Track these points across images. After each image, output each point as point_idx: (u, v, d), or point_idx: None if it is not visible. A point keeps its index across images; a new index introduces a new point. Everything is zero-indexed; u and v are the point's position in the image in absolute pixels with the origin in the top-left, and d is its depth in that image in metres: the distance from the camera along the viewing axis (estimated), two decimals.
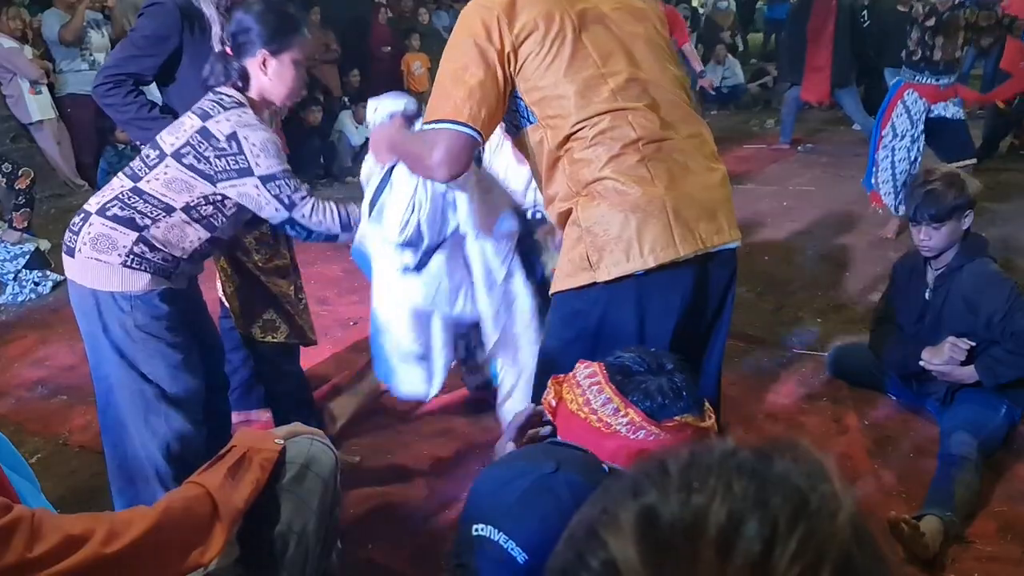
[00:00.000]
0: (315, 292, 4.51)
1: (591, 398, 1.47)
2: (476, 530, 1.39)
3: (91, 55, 6.82)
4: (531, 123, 1.82)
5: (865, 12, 8.57)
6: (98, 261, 2.06)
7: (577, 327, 1.81)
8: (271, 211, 2.13)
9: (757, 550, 0.48)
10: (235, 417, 2.82)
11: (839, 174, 6.60)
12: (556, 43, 1.76)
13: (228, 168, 2.07)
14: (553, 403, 1.55)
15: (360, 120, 7.59)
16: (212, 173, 2.07)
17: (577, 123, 1.74)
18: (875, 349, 3.07)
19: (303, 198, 2.14)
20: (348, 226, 2.21)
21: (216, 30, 2.47)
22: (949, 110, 4.89)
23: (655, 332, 1.77)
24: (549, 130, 1.78)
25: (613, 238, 1.72)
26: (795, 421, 3.02)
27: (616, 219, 1.71)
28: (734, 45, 11.31)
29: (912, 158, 4.90)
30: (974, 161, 5.00)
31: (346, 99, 8.03)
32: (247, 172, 2.07)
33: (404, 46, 8.78)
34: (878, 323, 3.12)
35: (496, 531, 1.35)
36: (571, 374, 1.55)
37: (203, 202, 2.11)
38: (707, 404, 1.53)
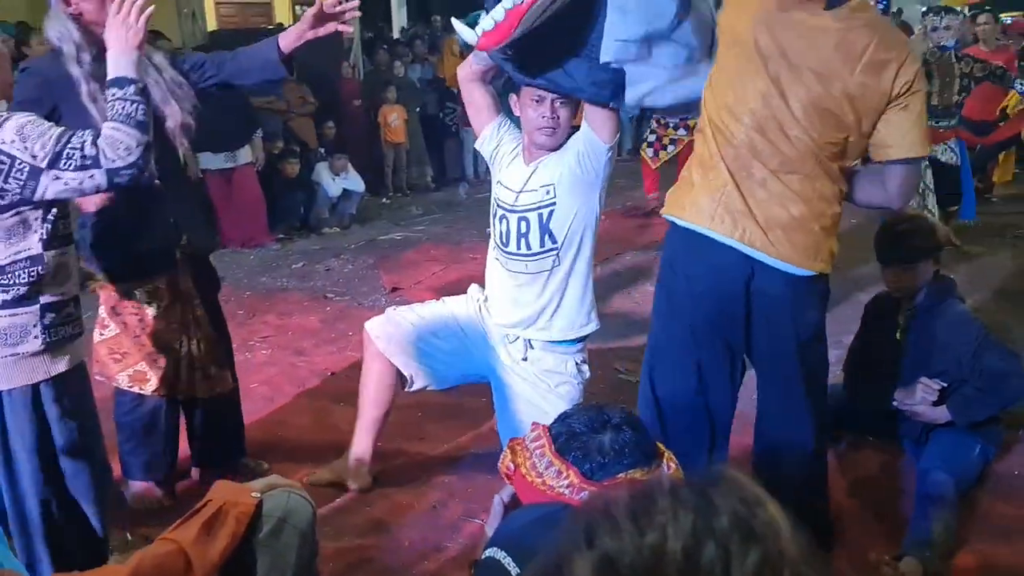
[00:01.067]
0: (292, 343, 4.51)
1: (536, 462, 1.47)
2: (485, 554, 1.41)
3: None
4: None
5: None
6: None
7: None
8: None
9: (718, 573, 0.50)
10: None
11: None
12: None
13: None
14: (511, 468, 1.54)
15: (336, 171, 7.65)
16: None
17: None
18: (850, 390, 3.10)
19: None
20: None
21: (84, 88, 2.45)
22: (946, 154, 5.27)
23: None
24: None
25: None
26: None
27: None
28: None
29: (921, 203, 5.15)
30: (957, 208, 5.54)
31: (322, 150, 8.09)
32: None
33: (380, 98, 8.88)
34: (852, 364, 3.16)
35: (498, 550, 1.37)
36: (522, 438, 1.55)
37: None
38: (666, 452, 1.49)
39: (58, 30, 2.44)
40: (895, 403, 2.85)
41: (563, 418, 1.51)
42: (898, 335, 2.94)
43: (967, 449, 2.76)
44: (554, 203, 2.61)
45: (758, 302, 2.11)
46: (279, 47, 2.68)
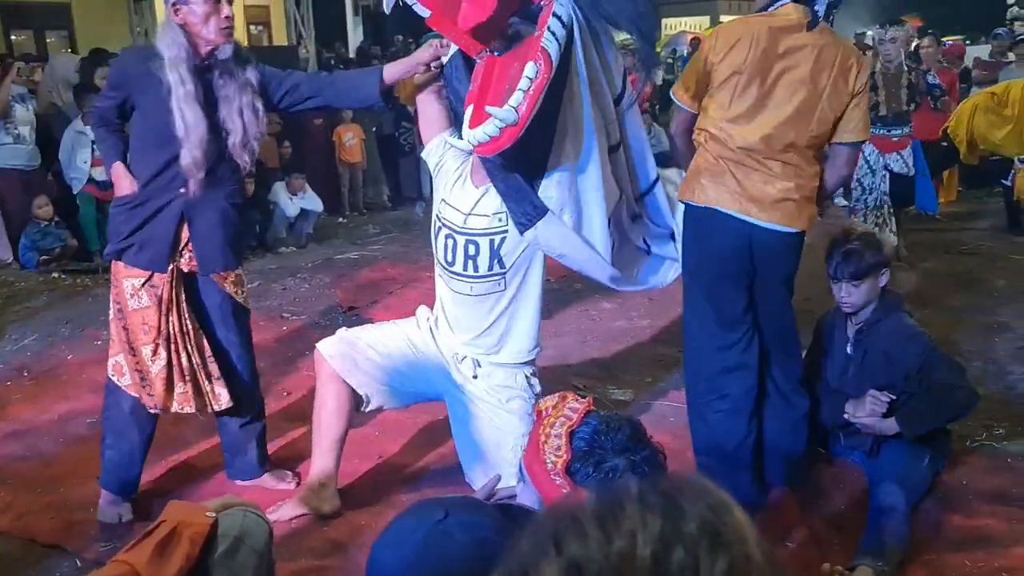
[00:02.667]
0: None
1: (551, 431, 1.54)
2: None
3: (16, 128, 6.70)
4: None
5: None
6: None
7: None
8: None
9: None
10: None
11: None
12: None
13: None
14: (546, 411, 1.61)
15: (294, 191, 7.59)
16: None
17: None
18: None
19: None
20: None
21: (182, 90, 2.60)
22: (898, 163, 5.49)
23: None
24: None
25: None
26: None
27: None
28: (654, 114, 11.67)
29: (881, 217, 5.43)
30: (912, 207, 5.88)
31: (279, 169, 8.04)
32: None
33: (336, 118, 8.86)
34: (805, 378, 3.21)
35: None
36: (561, 400, 1.61)
37: None
38: None
39: (170, 36, 2.63)
40: (846, 416, 2.90)
41: (599, 421, 1.54)
42: (849, 349, 3.00)
43: (917, 461, 2.82)
44: (506, 231, 2.63)
45: (758, 252, 2.72)
46: (382, 78, 2.81)
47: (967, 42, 11.69)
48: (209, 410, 2.91)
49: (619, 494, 0.57)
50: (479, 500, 1.49)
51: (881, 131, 5.46)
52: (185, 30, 2.64)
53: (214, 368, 2.85)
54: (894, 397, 2.82)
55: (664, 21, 21.85)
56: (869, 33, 9.92)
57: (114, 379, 2.82)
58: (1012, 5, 14.37)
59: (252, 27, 14.75)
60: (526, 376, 2.80)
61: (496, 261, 2.64)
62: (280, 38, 12.96)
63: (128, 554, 1.50)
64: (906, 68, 5.59)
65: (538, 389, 2.83)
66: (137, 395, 2.80)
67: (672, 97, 2.83)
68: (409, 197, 9.63)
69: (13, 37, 12.04)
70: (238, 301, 2.92)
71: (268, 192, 7.54)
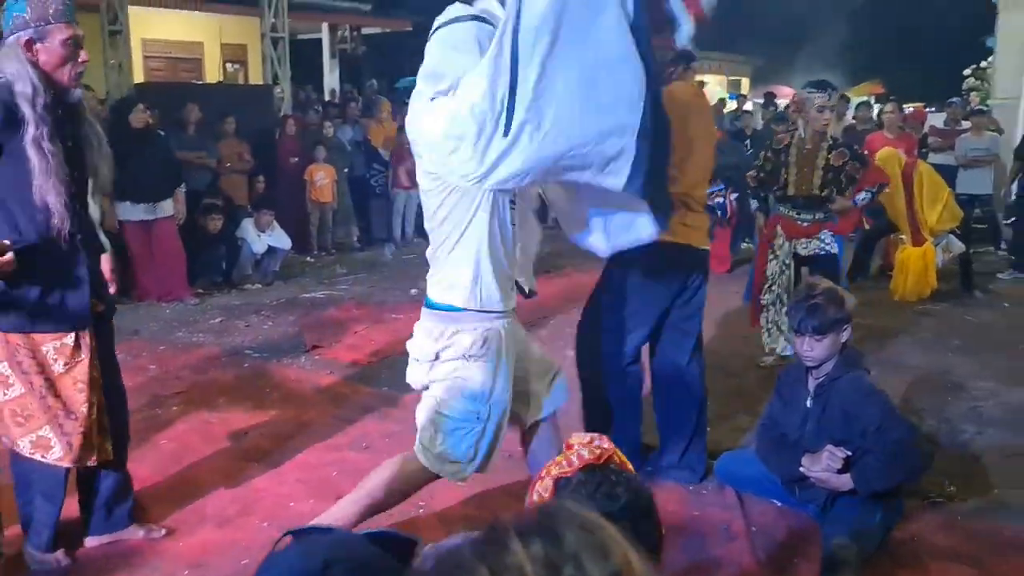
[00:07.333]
0: (205, 399, 4.40)
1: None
2: None
3: None
4: None
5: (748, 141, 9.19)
6: None
7: None
8: None
9: None
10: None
11: (727, 289, 6.90)
12: None
13: None
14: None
15: (262, 227, 7.58)
16: None
17: None
18: (761, 456, 3.18)
19: None
20: None
21: (32, 131, 2.44)
22: (809, 247, 4.73)
23: None
24: None
25: None
26: (685, 528, 3.07)
27: None
28: None
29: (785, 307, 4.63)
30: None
31: (248, 206, 8.03)
32: None
33: (310, 157, 8.90)
34: (764, 430, 3.24)
35: None
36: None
37: None
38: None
39: (16, 68, 2.45)
40: (802, 469, 2.93)
41: (594, 480, 1.53)
42: (808, 403, 3.04)
43: (869, 516, 2.84)
44: None
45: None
46: None
47: (929, 109, 12.06)
48: (92, 462, 2.72)
49: (499, 534, 0.59)
50: (360, 538, 1.39)
51: (791, 212, 4.78)
52: (36, 67, 2.48)
53: (103, 417, 2.73)
54: (850, 453, 2.86)
55: None
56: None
57: (37, 456, 2.61)
58: (968, 76, 14.89)
59: (229, 64, 14.82)
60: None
61: None
62: (256, 77, 13.00)
63: None
64: (826, 147, 4.66)
65: None
66: (68, 462, 2.65)
67: None
68: (379, 239, 9.65)
69: None
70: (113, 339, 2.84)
71: (236, 228, 7.52)
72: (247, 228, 7.56)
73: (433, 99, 2.51)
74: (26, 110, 2.43)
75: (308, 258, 8.79)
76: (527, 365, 2.81)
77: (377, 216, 9.77)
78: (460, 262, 2.55)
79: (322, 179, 8.90)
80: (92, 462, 2.71)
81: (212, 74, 14.40)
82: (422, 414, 2.65)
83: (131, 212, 6.45)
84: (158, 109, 7.27)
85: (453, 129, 2.40)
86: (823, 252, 4.76)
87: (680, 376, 3.43)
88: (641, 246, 2.87)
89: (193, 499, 3.24)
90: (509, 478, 3.15)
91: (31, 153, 2.43)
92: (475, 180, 2.43)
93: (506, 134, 2.35)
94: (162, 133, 6.93)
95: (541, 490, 1.57)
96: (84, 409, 2.62)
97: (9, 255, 2.34)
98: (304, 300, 6.90)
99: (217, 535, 2.99)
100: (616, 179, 2.50)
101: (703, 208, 3.40)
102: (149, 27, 12.88)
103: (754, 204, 6.24)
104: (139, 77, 11.06)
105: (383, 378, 4.72)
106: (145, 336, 5.70)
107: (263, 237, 7.58)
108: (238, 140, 8.32)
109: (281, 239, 7.74)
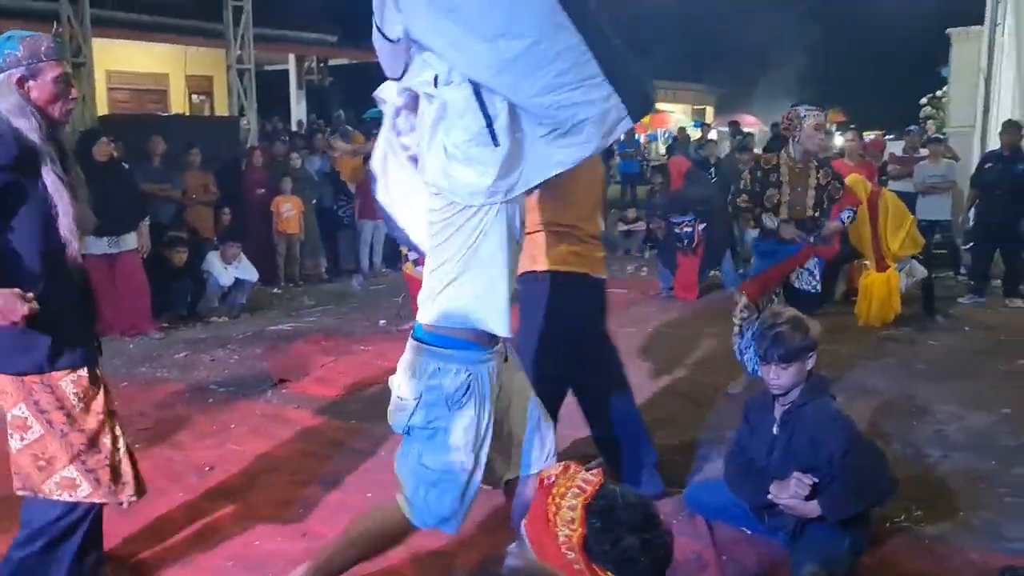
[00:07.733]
0: (169, 435, 4.33)
1: (562, 502, 1.54)
2: None
3: None
4: None
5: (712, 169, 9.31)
6: None
7: None
8: None
9: None
10: None
11: (694, 317, 6.97)
12: None
13: None
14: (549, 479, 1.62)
15: (228, 260, 7.51)
16: None
17: None
18: (730, 483, 3.19)
19: None
20: None
21: (48, 161, 2.45)
22: (801, 280, 4.66)
23: None
24: None
25: None
26: None
27: None
28: None
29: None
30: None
31: (214, 239, 7.97)
32: None
33: (276, 189, 8.87)
34: (732, 457, 3.25)
35: None
36: (570, 469, 1.63)
37: None
38: None
39: (12, 103, 2.44)
40: (770, 496, 2.94)
41: (614, 496, 1.53)
42: (775, 430, 3.05)
43: (838, 542, 2.86)
44: None
45: None
46: None
47: (888, 137, 12.33)
48: (126, 496, 2.63)
49: None
50: None
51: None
52: (30, 103, 2.46)
53: (132, 449, 2.69)
54: (817, 480, 2.87)
55: None
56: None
57: (64, 496, 2.52)
58: (925, 105, 15.26)
59: (195, 96, 14.78)
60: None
61: None
62: (222, 108, 12.97)
63: None
64: (814, 167, 4.63)
65: None
66: (100, 497, 2.56)
67: None
68: (347, 270, 9.61)
69: None
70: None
71: (202, 261, 7.45)
72: (213, 261, 7.49)
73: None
74: (36, 140, 2.45)
75: (275, 290, 8.72)
76: (511, 417, 2.55)
77: (345, 247, 9.74)
78: (464, 282, 2.33)
79: (288, 210, 8.86)
80: (126, 496, 2.62)
81: (178, 105, 14.35)
82: (403, 465, 2.47)
83: (94, 245, 6.35)
84: (122, 141, 7.21)
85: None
86: (812, 290, 4.69)
87: (607, 400, 3.56)
88: (537, 280, 3.20)
89: (158, 538, 3.17)
90: (481, 513, 3.12)
91: (50, 183, 2.43)
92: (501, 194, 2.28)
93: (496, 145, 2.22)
94: (126, 165, 6.87)
95: (566, 522, 1.53)
96: (107, 440, 2.57)
97: (35, 304, 2.30)
98: (271, 333, 6.84)
99: (181, 575, 2.92)
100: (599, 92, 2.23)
101: (594, 239, 3.43)
102: (114, 59, 12.83)
103: (754, 232, 5.24)
104: (104, 109, 10.98)
105: (352, 411, 4.68)
106: (108, 372, 5.50)
107: (229, 269, 7.51)
108: (203, 172, 8.27)
109: (248, 271, 7.68)
